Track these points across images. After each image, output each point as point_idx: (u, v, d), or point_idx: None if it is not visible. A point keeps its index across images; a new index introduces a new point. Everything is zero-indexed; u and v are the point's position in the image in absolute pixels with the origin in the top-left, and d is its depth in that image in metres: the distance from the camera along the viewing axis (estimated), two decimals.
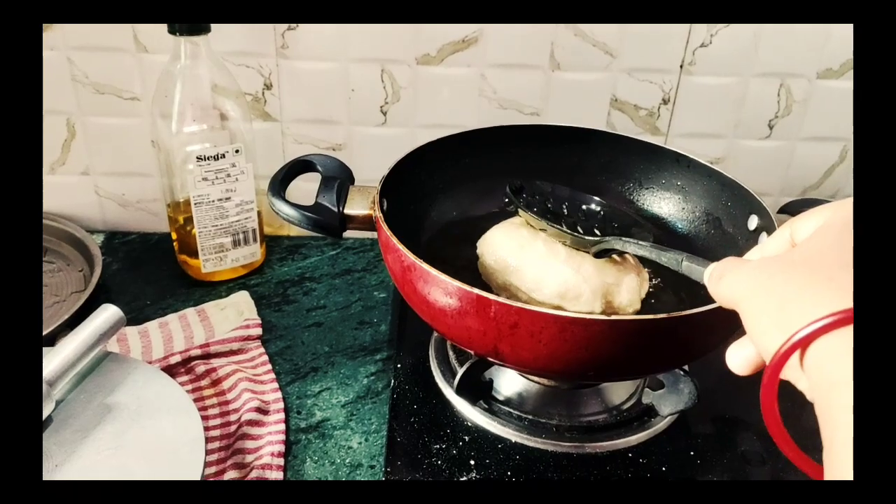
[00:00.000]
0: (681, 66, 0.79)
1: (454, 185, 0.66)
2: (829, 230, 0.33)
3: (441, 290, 0.47)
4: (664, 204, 0.67)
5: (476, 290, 0.45)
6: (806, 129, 0.83)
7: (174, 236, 0.79)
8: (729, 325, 0.35)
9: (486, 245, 0.60)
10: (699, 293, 0.39)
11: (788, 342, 0.29)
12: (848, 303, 0.28)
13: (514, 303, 0.44)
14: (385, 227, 0.51)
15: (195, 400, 0.64)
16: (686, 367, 0.57)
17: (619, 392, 0.59)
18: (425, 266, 0.47)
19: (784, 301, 0.31)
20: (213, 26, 0.69)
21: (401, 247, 0.48)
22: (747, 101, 0.81)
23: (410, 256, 0.48)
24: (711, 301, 0.37)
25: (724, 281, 0.36)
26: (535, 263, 0.55)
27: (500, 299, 0.44)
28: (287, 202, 0.53)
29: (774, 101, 0.81)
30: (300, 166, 0.57)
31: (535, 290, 0.54)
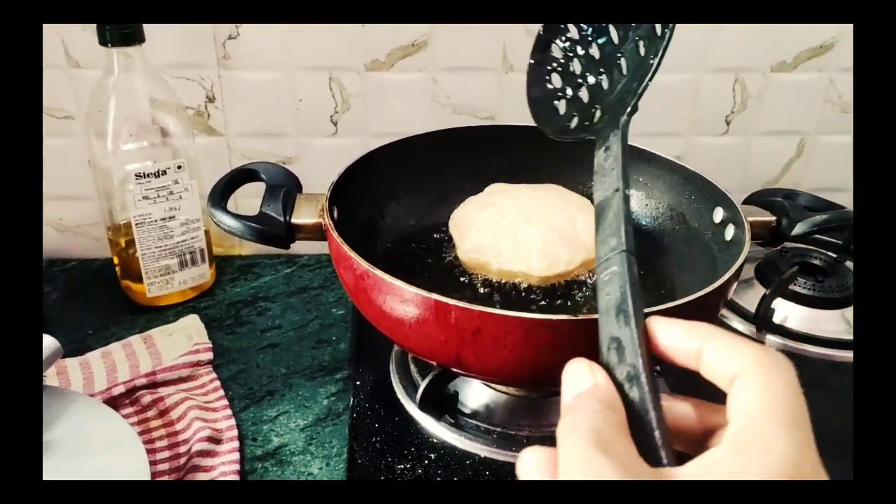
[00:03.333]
0: None
1: (410, 191, 0.63)
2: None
3: (397, 297, 0.44)
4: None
5: (434, 295, 0.42)
6: (763, 124, 0.82)
7: (116, 261, 0.74)
8: (704, 319, 0.32)
9: (458, 228, 0.58)
10: (675, 282, 0.37)
11: None
12: None
13: (475, 307, 0.41)
14: (335, 234, 0.48)
15: (141, 432, 0.60)
16: (658, 368, 0.55)
17: None
18: (378, 273, 0.44)
19: None
20: (149, 37, 0.65)
21: (352, 254, 0.45)
22: (702, 97, 0.80)
23: (362, 264, 0.45)
24: (688, 290, 0.33)
25: (567, 449, 0.26)
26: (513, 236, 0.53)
27: (461, 304, 0.41)
28: (228, 213, 0.50)
29: (730, 96, 0.80)
30: (242, 175, 0.54)
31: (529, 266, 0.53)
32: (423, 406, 0.52)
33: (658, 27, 0.41)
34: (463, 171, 0.64)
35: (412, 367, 0.60)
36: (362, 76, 0.76)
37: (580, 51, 0.45)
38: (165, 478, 0.56)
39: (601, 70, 0.44)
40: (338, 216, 0.54)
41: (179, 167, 0.69)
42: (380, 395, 0.59)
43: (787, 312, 0.64)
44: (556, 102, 0.47)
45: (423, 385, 0.51)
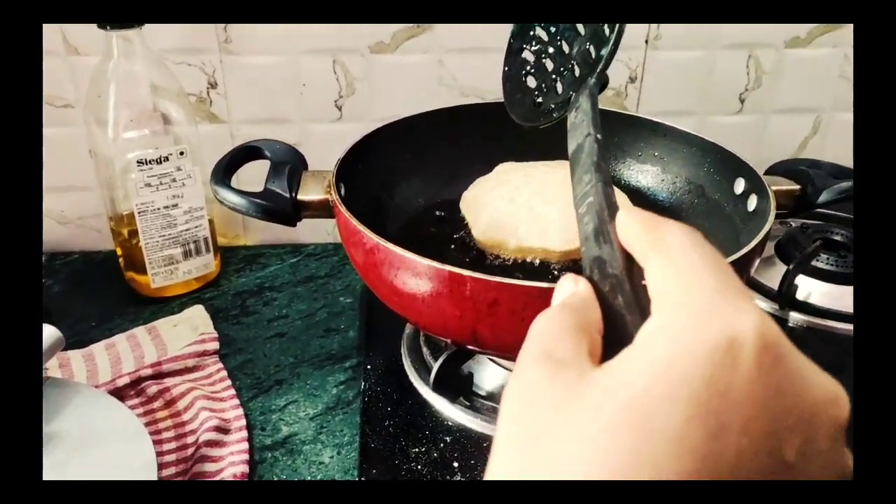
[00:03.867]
0: (646, 42, 0.76)
1: (418, 171, 0.62)
2: (618, 399, 0.21)
3: (409, 271, 0.42)
4: (642, 177, 0.63)
5: (448, 267, 0.40)
6: (778, 102, 0.80)
7: (119, 252, 0.73)
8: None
9: (472, 207, 0.56)
10: None
11: None
12: None
13: (491, 277, 0.39)
14: (343, 209, 0.46)
15: (147, 423, 0.58)
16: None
17: None
18: (389, 246, 0.42)
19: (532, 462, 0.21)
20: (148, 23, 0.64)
21: (361, 228, 0.44)
22: (716, 74, 0.78)
23: (373, 237, 0.43)
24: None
25: (520, 352, 0.25)
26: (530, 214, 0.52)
27: (475, 275, 0.39)
28: (232, 189, 0.48)
29: (744, 73, 0.78)
30: (246, 153, 0.52)
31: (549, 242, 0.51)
32: (437, 388, 0.50)
33: None
34: (472, 150, 0.62)
35: (424, 349, 0.58)
36: (367, 59, 0.74)
37: (550, 49, 0.45)
38: (173, 469, 0.55)
39: (572, 62, 0.43)
40: (344, 194, 0.52)
41: (182, 153, 0.68)
42: (391, 379, 0.57)
43: (810, 289, 0.62)
44: (537, 101, 0.46)
45: (436, 366, 0.49)
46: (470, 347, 0.45)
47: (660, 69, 0.77)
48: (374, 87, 0.76)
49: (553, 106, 0.43)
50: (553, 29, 0.45)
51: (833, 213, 0.73)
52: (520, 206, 0.54)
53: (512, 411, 0.23)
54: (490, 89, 0.77)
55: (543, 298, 0.39)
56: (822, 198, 0.50)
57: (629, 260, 0.27)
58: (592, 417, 0.21)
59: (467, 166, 0.62)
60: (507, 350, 0.44)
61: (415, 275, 0.42)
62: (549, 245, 0.53)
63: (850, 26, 0.76)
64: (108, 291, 0.74)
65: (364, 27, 0.72)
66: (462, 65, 0.75)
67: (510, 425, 0.23)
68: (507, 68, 0.47)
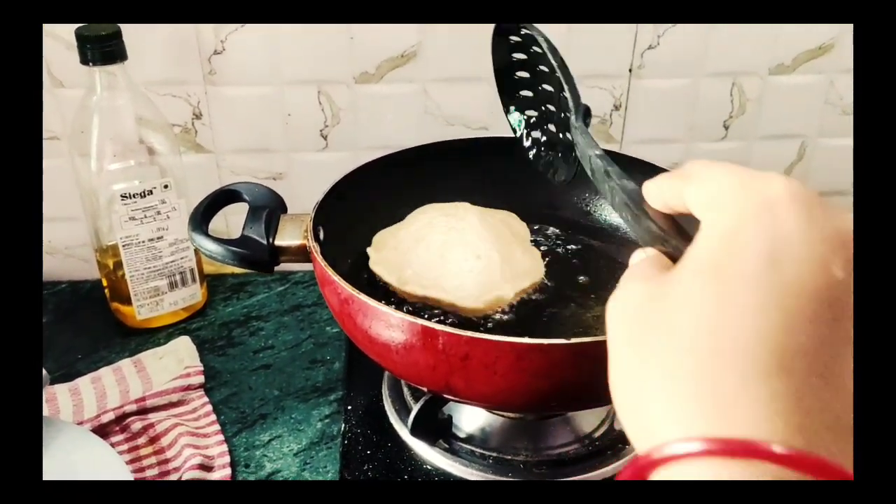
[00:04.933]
0: (630, 71, 0.76)
1: (397, 208, 0.62)
2: (704, 273, 0.26)
3: (382, 322, 0.42)
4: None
5: (421, 321, 0.40)
6: (762, 128, 0.80)
7: (105, 283, 0.73)
8: None
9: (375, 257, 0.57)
10: None
11: (646, 457, 0.24)
12: (719, 425, 0.22)
13: (463, 332, 0.40)
14: (319, 257, 0.46)
15: (131, 461, 0.59)
16: None
17: (589, 419, 0.55)
18: (362, 297, 0.42)
19: (640, 398, 0.26)
20: (133, 54, 0.64)
21: (336, 278, 0.44)
22: (700, 102, 0.78)
23: (346, 288, 0.43)
24: None
25: (609, 301, 0.30)
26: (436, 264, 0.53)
27: (448, 329, 0.40)
28: (209, 237, 0.48)
29: (728, 100, 0.78)
30: (224, 197, 0.53)
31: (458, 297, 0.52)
32: (416, 432, 0.50)
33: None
34: (454, 185, 0.62)
35: (405, 389, 0.58)
36: (352, 89, 0.75)
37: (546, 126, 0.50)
38: None
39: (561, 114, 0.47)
40: (325, 236, 0.52)
41: (166, 186, 0.68)
42: (372, 420, 0.57)
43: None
44: (557, 173, 0.49)
45: (414, 411, 0.49)
46: (445, 396, 0.46)
47: (644, 97, 0.77)
48: (360, 116, 0.76)
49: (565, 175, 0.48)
50: (536, 97, 0.50)
51: None
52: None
53: (619, 315, 0.29)
54: (474, 118, 0.77)
55: (515, 353, 0.40)
56: None
57: (674, 222, 0.32)
58: (687, 291, 0.25)
59: (452, 200, 0.63)
60: (482, 400, 0.45)
61: (388, 326, 0.42)
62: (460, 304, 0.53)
63: (835, 52, 0.76)
64: (94, 322, 0.74)
65: (348, 58, 0.73)
66: (447, 94, 0.76)
67: (620, 325, 0.28)
68: (530, 157, 0.52)
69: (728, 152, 0.81)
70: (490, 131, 0.78)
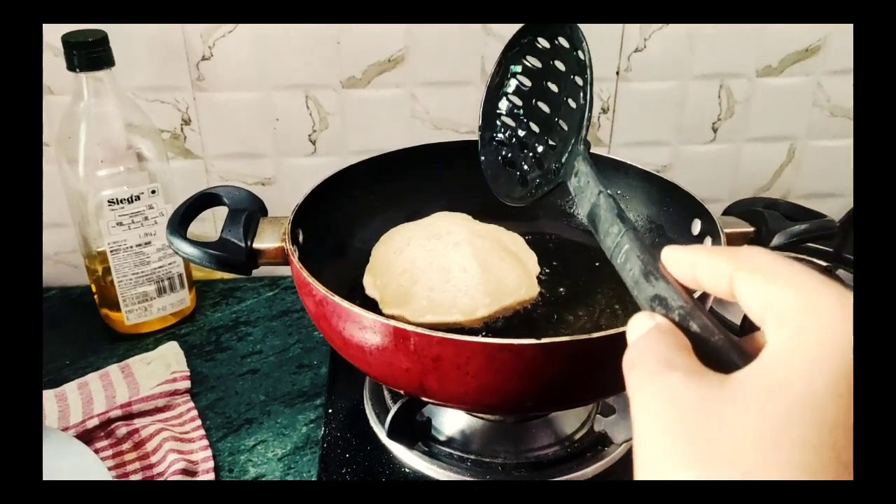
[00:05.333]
0: (617, 73, 0.76)
1: (378, 212, 0.62)
2: (787, 398, 0.22)
3: (355, 324, 0.42)
4: None
5: (392, 322, 0.40)
6: (751, 130, 0.80)
7: (94, 289, 0.73)
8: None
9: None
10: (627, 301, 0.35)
11: None
12: None
13: (435, 333, 0.40)
14: (295, 260, 0.46)
15: (115, 466, 0.59)
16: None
17: (570, 421, 0.55)
18: (336, 299, 0.42)
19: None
20: (121, 60, 0.64)
21: (311, 280, 0.44)
22: (688, 104, 0.78)
23: (321, 290, 0.43)
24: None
25: (632, 380, 0.27)
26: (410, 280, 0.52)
27: (419, 330, 0.40)
28: (186, 240, 0.48)
29: (716, 102, 0.78)
30: (204, 200, 0.53)
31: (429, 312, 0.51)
32: (392, 434, 0.50)
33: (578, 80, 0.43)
34: (435, 188, 0.63)
35: (385, 393, 0.58)
36: (339, 94, 0.75)
37: (520, 132, 0.47)
38: None
39: (546, 137, 0.45)
40: (304, 240, 0.52)
41: (153, 192, 0.68)
42: (353, 424, 0.57)
43: None
44: (520, 180, 0.47)
45: (391, 413, 0.49)
46: (422, 398, 0.45)
47: (632, 100, 0.77)
48: (348, 121, 0.76)
49: (539, 181, 0.44)
50: (519, 112, 0.47)
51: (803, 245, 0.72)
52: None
53: (663, 423, 0.24)
54: (462, 122, 0.77)
55: (485, 353, 0.40)
56: (775, 241, 0.50)
57: (688, 290, 0.29)
58: (758, 417, 0.22)
59: (433, 204, 0.63)
60: (456, 400, 0.44)
61: (361, 328, 0.42)
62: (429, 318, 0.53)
63: (822, 54, 0.76)
64: (83, 328, 0.75)
65: (335, 63, 0.73)
66: (434, 98, 0.76)
67: (665, 437, 0.24)
68: (483, 157, 0.48)
69: (717, 154, 0.81)
70: (477, 134, 0.78)
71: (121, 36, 0.66)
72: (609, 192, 0.36)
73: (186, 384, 0.66)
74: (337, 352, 0.48)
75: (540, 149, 0.45)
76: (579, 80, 0.43)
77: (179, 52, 0.71)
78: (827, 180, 0.83)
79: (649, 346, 0.27)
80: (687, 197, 0.55)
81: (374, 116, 0.76)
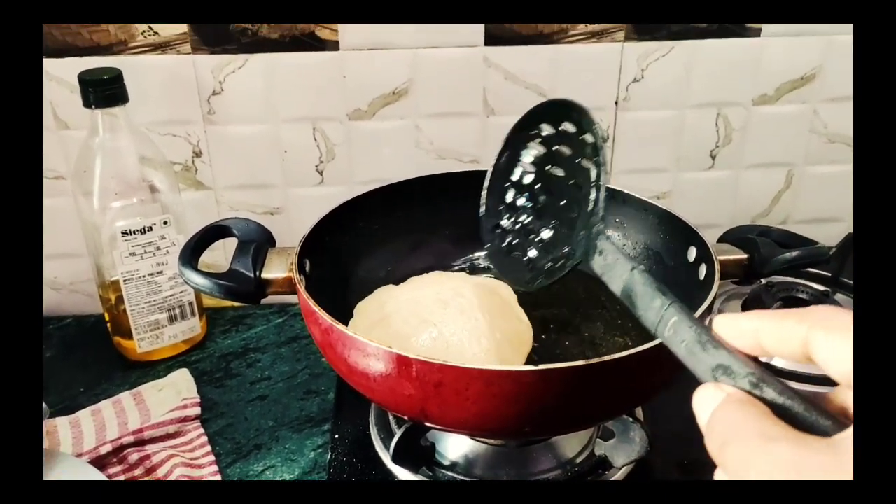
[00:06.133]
0: (616, 103, 0.78)
1: (383, 242, 0.63)
2: None
3: (360, 351, 0.43)
4: None
5: (395, 349, 0.42)
6: (748, 157, 0.82)
7: (107, 317, 0.75)
8: (674, 362, 0.30)
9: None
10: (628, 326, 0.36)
11: None
12: None
13: (436, 360, 0.41)
14: (302, 289, 0.48)
15: None
16: (640, 412, 0.54)
17: (571, 444, 0.56)
18: (340, 327, 0.44)
19: None
20: (134, 96, 0.67)
21: (317, 309, 0.45)
22: (686, 132, 0.80)
23: (326, 318, 0.45)
24: (642, 336, 0.32)
25: (731, 456, 0.26)
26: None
27: (420, 357, 0.41)
28: (197, 271, 0.50)
29: (713, 130, 0.80)
30: (214, 232, 0.55)
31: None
32: (398, 459, 0.51)
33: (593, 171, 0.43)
34: (439, 219, 0.64)
35: (390, 419, 0.60)
36: (345, 125, 0.77)
37: (524, 216, 0.47)
38: None
39: (551, 224, 0.45)
40: (311, 269, 0.54)
41: (166, 223, 0.70)
42: (359, 449, 0.58)
43: None
44: (528, 265, 0.47)
45: (395, 438, 0.50)
46: (425, 423, 0.47)
47: (631, 129, 0.79)
48: (354, 151, 0.78)
49: (549, 266, 0.44)
50: (523, 199, 0.47)
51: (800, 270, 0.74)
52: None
53: (783, 473, 0.24)
54: (465, 151, 0.79)
55: (484, 379, 0.41)
56: (767, 268, 0.52)
57: (750, 356, 0.28)
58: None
59: (437, 234, 0.64)
60: (457, 426, 0.46)
61: (365, 355, 0.43)
62: None
63: (817, 82, 0.78)
64: (97, 356, 0.76)
65: (342, 96, 0.75)
66: (437, 129, 0.78)
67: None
68: (488, 245, 0.48)
69: (716, 181, 0.83)
70: (480, 163, 0.80)
71: (134, 72, 0.68)
72: (642, 267, 0.36)
73: (197, 410, 0.68)
74: (343, 378, 0.49)
75: (546, 234, 0.45)
76: (586, 163, 0.43)
77: (191, 87, 0.74)
78: (825, 205, 0.85)
79: (735, 419, 0.27)
80: (682, 224, 0.57)
81: (380, 147, 0.78)
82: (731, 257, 0.53)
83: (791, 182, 0.83)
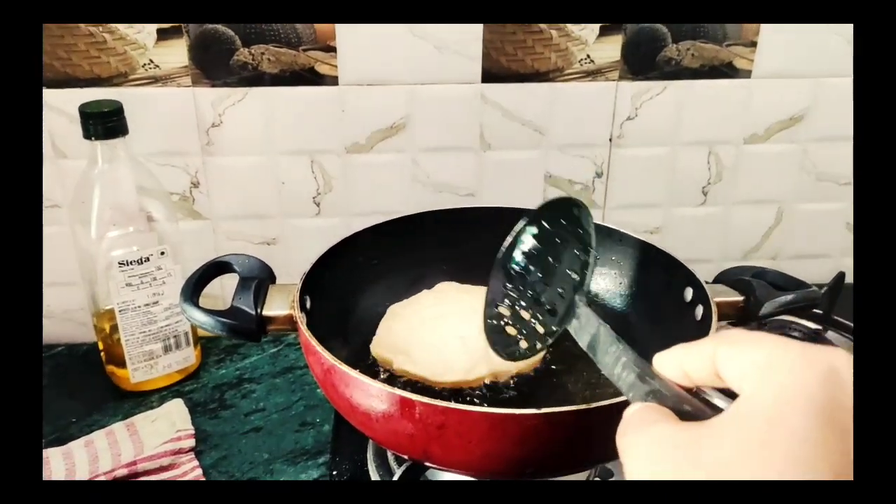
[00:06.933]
0: (610, 140, 0.79)
1: (383, 277, 0.64)
2: (753, 425, 0.26)
3: (362, 392, 0.44)
4: (601, 280, 0.65)
5: (398, 391, 0.42)
6: (739, 194, 0.83)
7: (101, 346, 0.75)
8: None
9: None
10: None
11: None
12: None
13: (440, 402, 0.41)
14: (303, 327, 0.48)
15: None
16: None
17: None
18: (344, 367, 0.44)
19: None
20: (134, 128, 0.67)
21: (319, 348, 0.46)
22: (679, 169, 0.81)
23: (328, 358, 0.45)
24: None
25: (624, 441, 0.31)
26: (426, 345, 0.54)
27: (424, 399, 0.41)
28: (199, 308, 0.50)
29: (705, 168, 0.82)
30: (215, 268, 0.55)
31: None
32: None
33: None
34: (438, 254, 0.65)
35: (389, 455, 0.60)
36: (343, 158, 0.78)
37: (523, 302, 0.50)
38: None
39: (547, 306, 0.48)
40: (311, 306, 0.54)
41: (163, 253, 0.70)
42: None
43: None
44: (520, 344, 0.50)
45: (396, 477, 0.50)
46: (425, 464, 0.47)
47: (625, 165, 0.80)
48: (351, 184, 0.79)
49: (539, 345, 0.48)
50: (521, 286, 0.50)
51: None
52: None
53: (651, 460, 0.28)
54: (462, 185, 0.80)
55: (488, 422, 0.41)
56: (764, 310, 0.52)
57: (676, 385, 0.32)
58: (738, 438, 0.26)
59: (435, 268, 0.65)
60: (459, 467, 0.46)
61: (368, 396, 0.44)
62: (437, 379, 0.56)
63: (805, 123, 0.80)
64: (89, 385, 0.76)
65: (340, 130, 0.76)
66: (434, 163, 0.79)
67: (653, 470, 0.28)
68: (487, 321, 0.51)
69: (707, 217, 0.84)
70: (476, 197, 0.81)
71: (134, 103, 0.69)
72: (608, 325, 0.40)
73: (191, 443, 0.67)
74: (342, 416, 0.49)
75: (539, 316, 0.48)
76: (577, 252, 0.47)
77: (190, 119, 0.74)
78: (815, 242, 0.86)
79: (638, 415, 0.31)
80: (678, 265, 0.58)
81: (377, 180, 0.79)
82: (728, 299, 0.54)
83: (781, 219, 0.85)
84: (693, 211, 0.84)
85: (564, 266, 0.47)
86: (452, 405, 0.41)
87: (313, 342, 0.47)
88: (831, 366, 0.26)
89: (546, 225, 0.49)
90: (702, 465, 0.26)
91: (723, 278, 0.58)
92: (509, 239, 0.49)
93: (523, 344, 0.49)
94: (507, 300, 0.50)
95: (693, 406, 0.31)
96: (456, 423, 0.41)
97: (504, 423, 0.41)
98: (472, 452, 0.43)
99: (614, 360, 0.37)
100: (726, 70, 0.77)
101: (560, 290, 0.47)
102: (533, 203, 0.49)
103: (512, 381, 0.57)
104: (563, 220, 0.48)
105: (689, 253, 0.60)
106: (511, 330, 0.50)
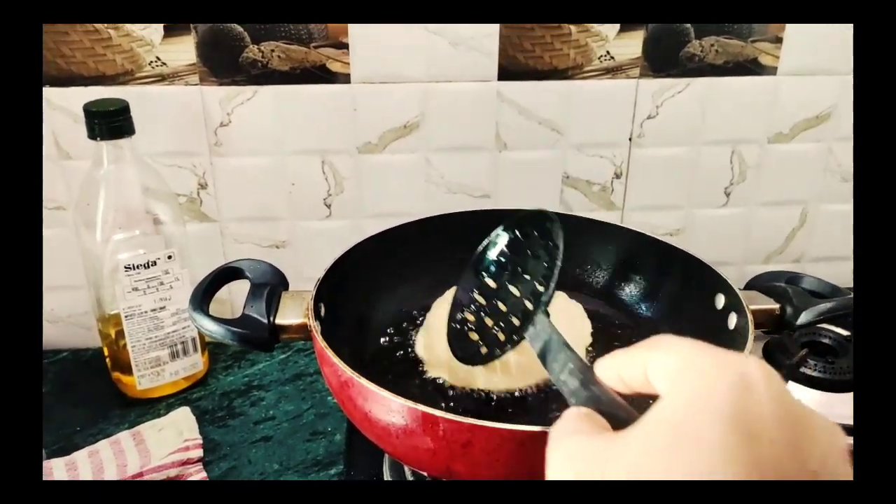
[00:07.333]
0: (630, 139, 0.77)
1: (399, 283, 0.61)
2: (660, 430, 0.26)
3: (383, 407, 0.41)
4: (626, 286, 0.63)
5: (421, 407, 0.40)
6: (763, 195, 0.81)
7: (106, 352, 0.73)
8: None
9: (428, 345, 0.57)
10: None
11: None
12: None
13: (465, 419, 0.39)
14: (319, 337, 0.46)
15: None
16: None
17: None
18: (363, 381, 0.42)
19: None
20: (141, 127, 0.65)
21: (336, 360, 0.43)
22: (700, 169, 0.79)
23: (346, 371, 0.43)
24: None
25: (547, 448, 0.30)
26: None
27: (448, 416, 0.39)
28: (210, 317, 0.48)
29: (728, 168, 0.79)
30: (226, 274, 0.53)
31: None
32: None
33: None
34: (454, 258, 0.62)
35: (406, 469, 0.57)
36: (355, 159, 0.75)
37: (488, 310, 0.51)
38: None
39: (510, 316, 0.49)
40: (325, 313, 0.52)
41: (170, 257, 0.68)
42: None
43: (799, 397, 0.61)
44: (481, 349, 0.51)
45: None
46: (447, 481, 0.45)
47: (645, 165, 0.78)
48: (363, 185, 0.77)
49: (498, 352, 0.49)
50: (487, 292, 0.52)
51: None
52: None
53: (564, 460, 0.29)
54: (476, 186, 0.78)
55: (516, 440, 0.39)
56: (802, 319, 0.50)
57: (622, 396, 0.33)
58: (644, 445, 0.26)
59: (450, 272, 0.62)
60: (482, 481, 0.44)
61: (388, 411, 0.41)
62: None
63: (832, 121, 0.77)
64: (94, 392, 0.74)
65: (352, 129, 0.74)
66: (448, 163, 0.76)
67: (566, 471, 0.29)
68: (451, 324, 0.53)
69: (730, 218, 0.82)
70: (491, 198, 0.78)
71: (140, 102, 0.67)
72: (559, 334, 0.41)
73: (199, 453, 0.65)
74: (359, 429, 0.47)
75: (501, 324, 0.49)
76: (545, 264, 0.48)
77: (198, 119, 0.72)
78: (840, 244, 0.84)
79: (564, 423, 0.32)
80: (708, 270, 0.55)
81: (390, 181, 0.77)
82: (763, 307, 0.52)
83: (805, 220, 0.82)
84: (715, 212, 0.81)
85: (532, 277, 0.48)
86: (479, 422, 0.39)
87: (329, 353, 0.44)
88: (743, 372, 0.26)
89: (519, 235, 0.50)
90: (607, 474, 0.26)
91: (755, 284, 0.55)
92: (483, 245, 0.50)
93: (483, 350, 0.50)
94: (473, 305, 0.51)
95: (627, 412, 0.32)
96: (483, 440, 0.39)
97: (533, 441, 0.39)
98: (497, 471, 0.40)
99: (561, 366, 0.38)
100: (751, 67, 0.74)
101: (526, 301, 0.47)
102: (550, 205, 0.48)
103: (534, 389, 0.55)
104: (537, 232, 0.49)
105: (711, 255, 0.57)
106: (473, 336, 0.51)
